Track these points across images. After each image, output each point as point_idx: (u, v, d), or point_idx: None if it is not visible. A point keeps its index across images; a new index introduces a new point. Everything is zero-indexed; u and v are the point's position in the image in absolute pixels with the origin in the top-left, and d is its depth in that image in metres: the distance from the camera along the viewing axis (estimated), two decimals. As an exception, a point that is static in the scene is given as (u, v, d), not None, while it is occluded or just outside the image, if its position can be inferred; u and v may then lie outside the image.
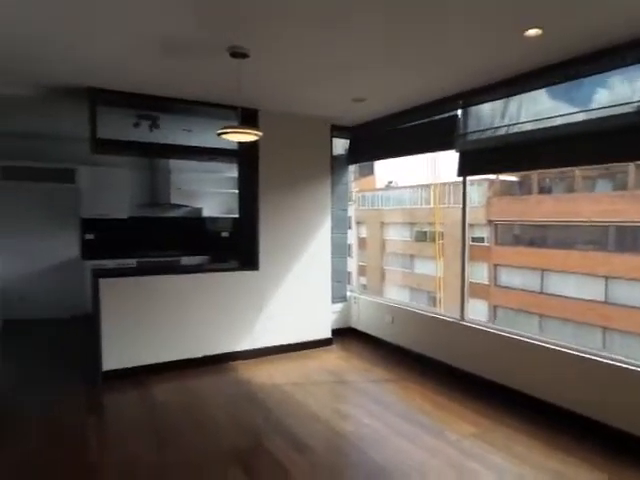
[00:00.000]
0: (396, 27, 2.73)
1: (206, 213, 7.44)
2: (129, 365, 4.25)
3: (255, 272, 4.85)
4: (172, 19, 2.63)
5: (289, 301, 5.05)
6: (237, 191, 7.56)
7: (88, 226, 6.80)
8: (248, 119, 4.53)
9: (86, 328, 6.06)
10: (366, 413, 3.60)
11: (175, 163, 7.11)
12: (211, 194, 7.49)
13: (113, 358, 4.17)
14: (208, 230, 7.68)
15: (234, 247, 7.69)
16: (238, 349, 4.77)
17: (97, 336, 4.12)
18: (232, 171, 7.53)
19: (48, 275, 6.64)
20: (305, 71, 3.56)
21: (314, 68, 3.48)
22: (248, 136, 3.16)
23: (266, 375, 4.38)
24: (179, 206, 7.27)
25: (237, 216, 7.58)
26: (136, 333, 4.28)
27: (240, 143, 4.89)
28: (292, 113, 4.86)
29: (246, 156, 4.82)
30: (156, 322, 4.37)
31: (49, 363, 4.76)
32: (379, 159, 5.43)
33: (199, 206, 7.39)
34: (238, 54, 2.99)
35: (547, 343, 3.56)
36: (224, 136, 3.15)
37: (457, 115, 4.23)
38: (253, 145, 4.65)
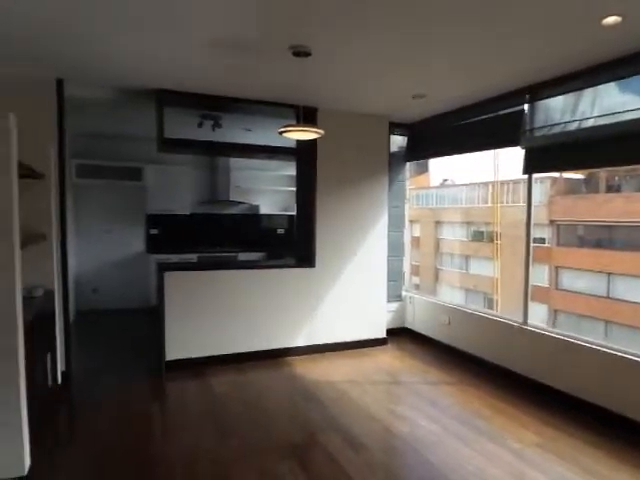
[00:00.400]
0: (461, 23, 2.67)
1: (263, 210, 7.60)
2: (189, 356, 4.42)
3: (311, 269, 4.90)
4: (236, 21, 2.70)
5: (344, 299, 5.06)
6: (293, 189, 7.73)
7: (153, 222, 7.14)
8: (307, 117, 4.57)
9: (150, 319, 6.38)
10: (423, 415, 3.55)
11: (235, 161, 7.31)
12: (268, 192, 7.65)
13: (175, 349, 4.36)
14: (264, 227, 7.85)
15: (289, 244, 7.83)
16: (293, 345, 4.84)
17: (161, 327, 4.31)
18: (288, 169, 7.65)
19: (117, 268, 7.04)
20: (366, 69, 3.55)
21: (376, 65, 3.46)
22: (309, 134, 3.19)
23: (321, 372, 4.42)
24: (238, 203, 7.47)
25: (293, 213, 7.78)
26: (196, 325, 4.45)
27: (299, 141, 4.97)
28: (350, 111, 4.86)
29: (304, 154, 4.87)
30: (215, 315, 4.52)
31: (117, 351, 5.05)
32: (439, 156, 5.32)
33: (256, 203, 7.56)
34: (301, 53, 3.03)
35: (615, 350, 3.36)
36: (285, 134, 3.20)
37: (523, 110, 4.06)
38: (312, 143, 4.69)
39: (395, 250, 5.63)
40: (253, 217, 7.76)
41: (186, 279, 4.41)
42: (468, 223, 19.11)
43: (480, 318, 4.65)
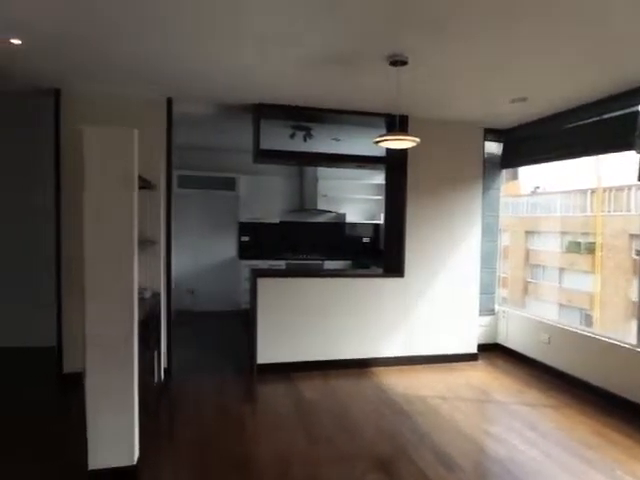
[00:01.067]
0: (574, 22, 2.51)
1: (349, 219, 7.64)
2: (279, 360, 4.54)
3: (400, 279, 4.83)
4: (337, 35, 2.76)
5: (434, 311, 4.93)
6: (379, 197, 7.74)
7: (244, 229, 7.48)
8: (399, 125, 4.53)
9: (240, 322, 6.67)
10: (521, 438, 3.34)
11: (322, 171, 7.45)
12: (354, 200, 7.69)
13: (266, 352, 4.50)
14: (350, 235, 7.89)
15: (374, 252, 7.81)
16: (379, 355, 4.80)
17: (254, 331, 4.48)
18: (374, 178, 7.66)
19: (211, 272, 7.45)
20: (463, 74, 3.46)
21: (473, 70, 3.36)
22: (405, 142, 3.17)
23: (409, 385, 4.33)
24: (324, 212, 7.59)
25: (379, 222, 7.77)
26: (286, 331, 4.56)
27: (389, 150, 4.95)
28: (443, 118, 4.75)
29: (394, 163, 4.84)
30: (304, 322, 4.61)
31: (211, 351, 5.32)
32: (538, 163, 5.01)
33: (343, 212, 7.63)
34: (398, 62, 3.02)
35: None
36: (381, 144, 3.20)
37: (638, 111, 3.71)
38: (402, 152, 4.66)
39: (488, 261, 5.39)
40: (339, 225, 7.84)
41: (278, 285, 4.55)
42: (562, 233, 17.75)
43: (586, 338, 4.29)
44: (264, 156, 4.41)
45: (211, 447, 3.10)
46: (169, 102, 4.17)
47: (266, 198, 7.29)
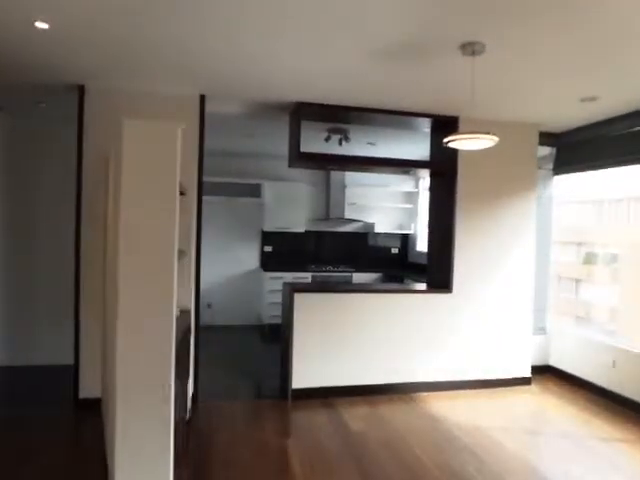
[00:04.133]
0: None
1: (378, 229, 7.24)
2: (316, 384, 4.12)
3: (447, 295, 4.41)
4: (401, 20, 2.38)
5: (484, 330, 4.49)
6: (409, 206, 7.35)
7: (268, 238, 7.09)
8: (447, 126, 4.16)
9: (262, 338, 6.26)
10: (609, 483, 2.90)
11: (350, 177, 7.08)
12: (382, 209, 7.30)
13: (302, 375, 4.09)
14: (379, 246, 7.49)
15: (404, 265, 7.39)
16: (427, 380, 4.36)
17: (288, 351, 4.07)
18: (405, 185, 7.28)
19: (231, 284, 7.05)
20: (532, 69, 3.07)
21: (548, 64, 2.97)
22: (481, 142, 2.78)
23: (463, 413, 3.89)
24: (352, 221, 7.20)
25: (408, 232, 7.36)
26: (324, 352, 4.15)
27: (433, 154, 4.57)
28: (498, 119, 4.34)
29: (441, 167, 4.44)
30: (345, 342, 4.19)
31: (236, 372, 4.90)
32: (598, 168, 4.56)
33: (371, 221, 7.23)
34: (471, 50, 2.64)
35: None
36: (453, 143, 2.82)
37: None
38: (450, 156, 4.27)
39: (538, 275, 4.94)
40: (367, 235, 7.44)
41: (316, 301, 4.15)
42: (578, 244, 17.19)
43: (660, 363, 3.84)
44: (303, 159, 4.02)
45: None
46: (202, 100, 3.81)
47: (291, 206, 6.91)
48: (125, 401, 2.02)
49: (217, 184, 6.56)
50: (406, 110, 4.16)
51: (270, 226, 6.91)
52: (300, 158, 3.96)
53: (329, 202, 7.16)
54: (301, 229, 6.99)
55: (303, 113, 3.98)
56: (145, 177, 2.05)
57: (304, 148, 4.08)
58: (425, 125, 4.47)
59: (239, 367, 5.08)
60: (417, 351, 4.35)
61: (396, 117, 4.23)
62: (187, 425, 3.50)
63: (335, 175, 7.06)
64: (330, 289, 4.34)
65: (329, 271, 6.81)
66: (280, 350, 4.43)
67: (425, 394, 4.29)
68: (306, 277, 6.67)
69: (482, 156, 4.37)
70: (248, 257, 7.14)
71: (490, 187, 4.51)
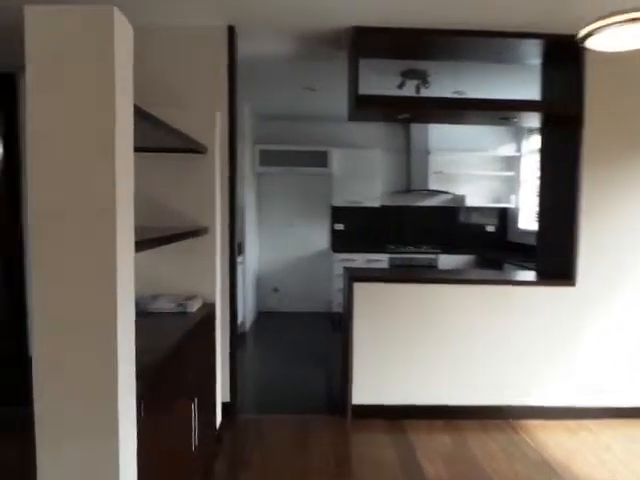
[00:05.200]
0: None
1: (469, 202, 6.00)
2: (382, 401, 3.18)
3: (568, 289, 3.18)
4: None
5: (620, 339, 3.22)
6: (508, 173, 6.00)
7: (338, 215, 6.21)
8: (562, 53, 2.92)
9: (332, 328, 5.44)
10: None
11: (435, 140, 5.93)
12: (475, 178, 6.06)
13: (364, 389, 3.17)
14: (471, 223, 6.26)
15: (503, 246, 6.09)
16: (532, 403, 3.22)
17: (348, 358, 3.17)
18: (502, 148, 5.97)
19: (298, 266, 6.31)
20: None
21: None
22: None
23: (590, 459, 2.73)
24: (437, 193, 6.03)
25: (507, 205, 6.03)
26: (393, 360, 3.18)
27: (545, 95, 3.33)
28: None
29: (559, 109, 3.17)
30: (419, 348, 3.19)
31: (292, 373, 4.12)
32: None
33: (461, 193, 6.02)
34: None
35: None
36: (592, 40, 1.69)
37: None
38: (573, 96, 3.02)
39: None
40: (456, 210, 6.24)
41: (382, 294, 3.18)
42: None
43: None
44: (363, 107, 3.00)
45: None
46: (230, 32, 2.94)
47: (364, 176, 5.93)
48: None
49: (279, 153, 5.78)
50: (507, 30, 2.95)
51: (340, 200, 6.01)
52: (359, 104, 2.95)
53: (410, 171, 6.04)
54: (376, 204, 5.99)
55: (363, 43, 2.96)
56: (64, 108, 1.23)
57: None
58: (533, 52, 3.21)
59: (297, 365, 4.29)
60: (522, 364, 3.22)
61: (492, 41, 3.03)
62: (216, 443, 2.79)
63: (416, 138, 5.93)
64: (402, 278, 3.32)
65: (410, 252, 5.77)
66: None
67: (533, 422, 3.16)
68: (382, 259, 5.70)
69: (624, 88, 3.08)
70: (317, 236, 6.31)
71: (636, 140, 3.16)
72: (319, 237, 6.30)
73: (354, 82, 2.94)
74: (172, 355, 1.79)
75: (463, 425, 3.10)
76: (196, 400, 2.15)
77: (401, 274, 3.79)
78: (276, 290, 6.29)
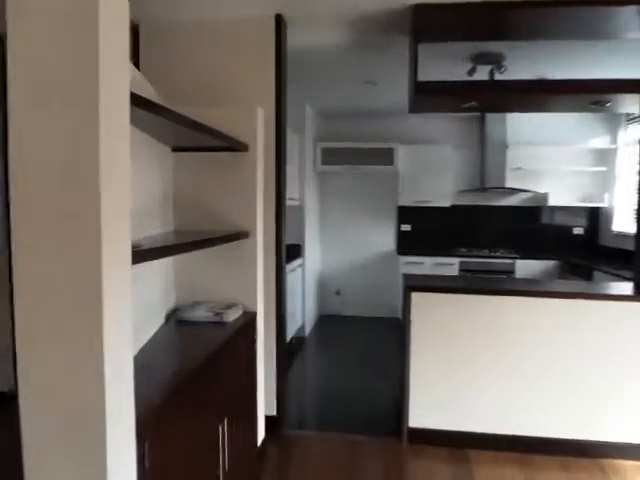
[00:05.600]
0: None
1: (552, 201, 5.38)
2: (443, 427, 2.83)
3: (674, 306, 2.64)
4: None
5: None
6: (601, 169, 5.31)
7: (405, 215, 5.86)
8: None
9: (395, 334, 5.11)
10: None
11: (514, 134, 5.39)
12: (560, 174, 5.43)
13: (423, 411, 2.85)
14: (555, 224, 5.62)
15: (594, 251, 5.39)
16: (621, 440, 2.70)
17: (404, 376, 2.86)
18: (593, 140, 5.29)
19: (362, 269, 6.05)
20: None
21: None
22: None
23: None
24: (516, 191, 5.47)
25: (598, 205, 5.35)
26: (457, 382, 2.82)
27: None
28: None
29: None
30: (487, 370, 2.80)
31: (347, 386, 3.87)
32: None
33: (543, 191, 5.41)
34: None
35: None
36: None
37: None
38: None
39: None
40: (538, 210, 5.62)
41: (443, 304, 2.83)
42: None
43: None
44: (423, 95, 2.67)
45: None
46: (278, 21, 2.75)
47: (434, 174, 5.53)
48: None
49: (338, 150, 5.57)
50: None
51: (407, 200, 5.65)
52: (418, 92, 2.62)
53: (484, 168, 5.52)
54: (447, 203, 5.56)
55: (424, 24, 2.63)
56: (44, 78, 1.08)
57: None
58: (635, 23, 2.69)
59: (354, 376, 4.03)
60: (615, 393, 2.71)
61: (582, 12, 2.55)
62: (256, 461, 2.62)
63: (492, 131, 5.41)
64: (469, 288, 2.94)
65: (483, 257, 5.28)
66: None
67: (626, 463, 2.65)
68: (452, 264, 5.28)
69: None
70: (382, 238, 6.00)
71: None
72: (384, 239, 5.98)
73: (414, 68, 2.63)
74: (190, 377, 1.61)
75: (538, 461, 2.67)
76: (225, 420, 1.97)
77: (468, 283, 3.40)
78: (338, 293, 6.07)
